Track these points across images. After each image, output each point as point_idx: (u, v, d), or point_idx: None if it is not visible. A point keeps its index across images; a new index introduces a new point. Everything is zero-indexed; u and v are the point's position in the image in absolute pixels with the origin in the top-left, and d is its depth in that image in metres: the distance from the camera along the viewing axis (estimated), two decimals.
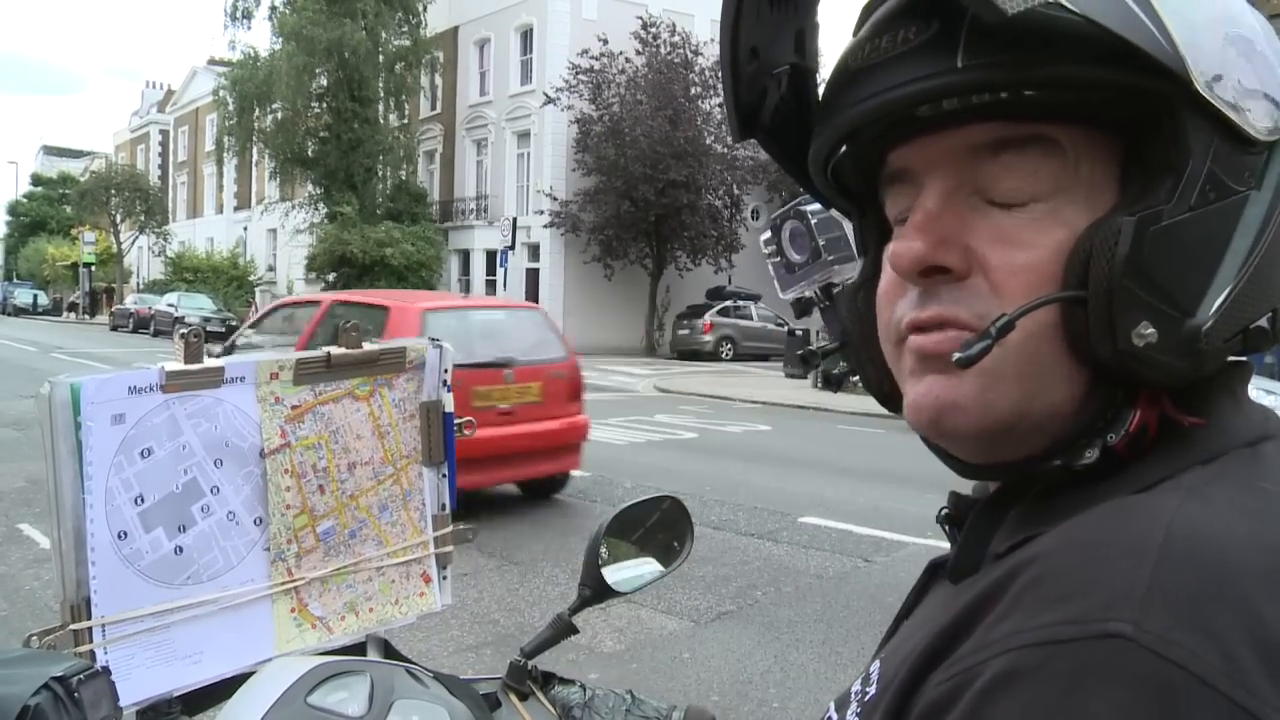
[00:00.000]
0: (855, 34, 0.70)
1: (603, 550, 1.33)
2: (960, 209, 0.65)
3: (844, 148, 0.73)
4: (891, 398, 0.76)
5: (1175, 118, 0.60)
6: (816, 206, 0.93)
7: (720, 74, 0.76)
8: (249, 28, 45.12)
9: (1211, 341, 0.60)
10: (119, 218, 52.10)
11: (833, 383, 0.92)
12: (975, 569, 0.66)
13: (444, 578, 1.38)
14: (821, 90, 0.73)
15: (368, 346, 1.28)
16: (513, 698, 1.26)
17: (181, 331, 1.17)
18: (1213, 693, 0.47)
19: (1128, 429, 0.63)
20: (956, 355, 0.61)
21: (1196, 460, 0.61)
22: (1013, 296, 0.62)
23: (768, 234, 0.99)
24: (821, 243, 0.95)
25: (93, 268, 52.81)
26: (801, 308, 0.98)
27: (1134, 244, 0.59)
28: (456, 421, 1.36)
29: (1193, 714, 0.47)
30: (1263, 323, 0.63)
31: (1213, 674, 0.47)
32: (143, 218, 51.99)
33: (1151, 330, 0.60)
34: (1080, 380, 0.63)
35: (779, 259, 0.98)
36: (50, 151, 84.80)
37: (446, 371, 1.34)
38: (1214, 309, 0.60)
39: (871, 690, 0.65)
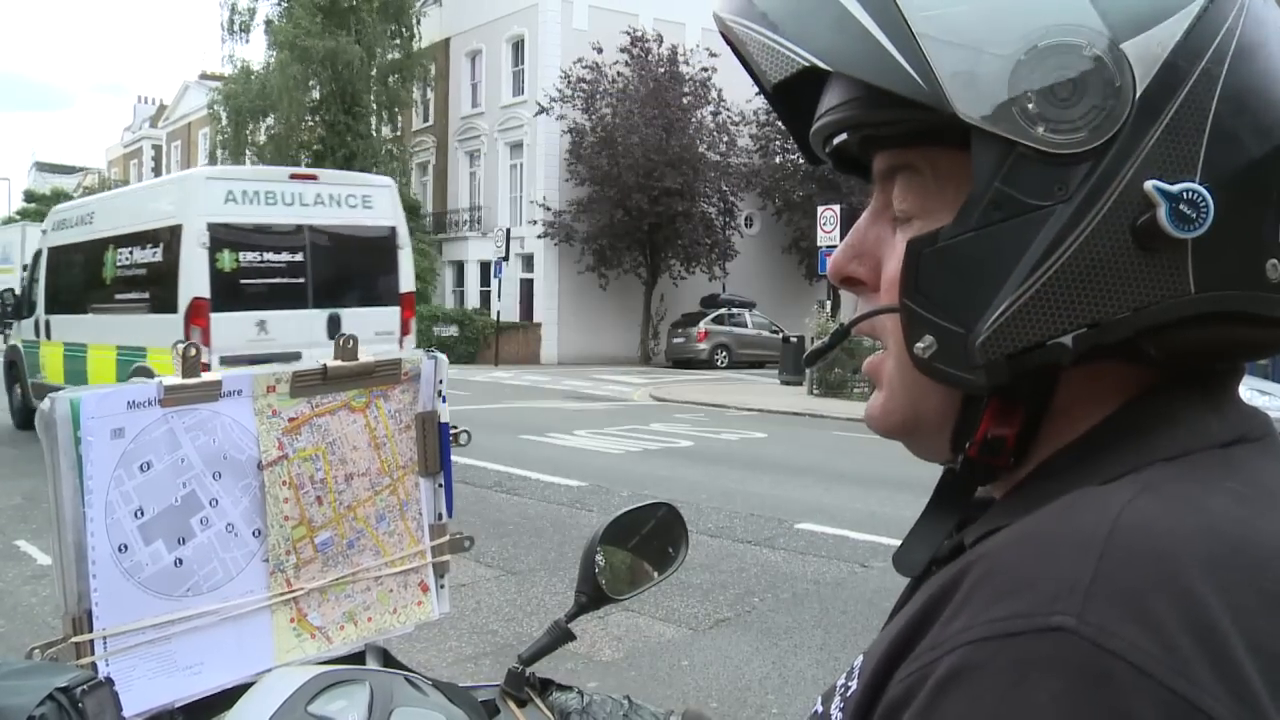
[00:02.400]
0: None
1: (598, 557, 1.35)
2: (882, 226, 0.71)
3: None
4: None
5: (962, 143, 0.62)
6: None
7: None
8: (247, 41, 44.93)
9: (990, 354, 0.61)
10: None
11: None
12: (925, 558, 0.72)
13: (441, 587, 1.39)
14: None
15: (364, 359, 1.29)
16: (511, 704, 1.28)
17: (179, 346, 1.18)
18: (1152, 682, 0.48)
19: (974, 437, 0.66)
20: (805, 354, 0.67)
21: (1161, 456, 0.62)
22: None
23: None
24: None
25: None
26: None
27: (907, 265, 0.64)
28: (452, 431, 1.37)
29: (1132, 704, 0.48)
30: (1064, 340, 0.61)
31: (1152, 664, 0.48)
32: None
33: (928, 344, 0.64)
34: (946, 390, 0.66)
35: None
36: (43, 167, 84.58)
37: (441, 382, 1.36)
38: (989, 324, 0.61)
39: (854, 685, 0.66)
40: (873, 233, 0.72)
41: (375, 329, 10.18)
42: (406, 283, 11.13)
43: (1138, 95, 0.59)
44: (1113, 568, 0.52)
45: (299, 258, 10.19)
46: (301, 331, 9.71)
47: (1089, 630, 0.50)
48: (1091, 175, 0.60)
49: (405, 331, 10.95)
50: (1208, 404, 0.66)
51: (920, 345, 0.64)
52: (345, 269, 10.73)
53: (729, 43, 0.71)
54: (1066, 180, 0.60)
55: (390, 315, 10.79)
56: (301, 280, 10.16)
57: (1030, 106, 0.60)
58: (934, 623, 0.57)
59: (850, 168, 0.78)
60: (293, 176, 10.72)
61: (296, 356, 7.47)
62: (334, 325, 9.94)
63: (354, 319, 9.94)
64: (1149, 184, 0.58)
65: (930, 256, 0.63)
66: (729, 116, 30.32)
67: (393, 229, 10.94)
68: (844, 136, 0.70)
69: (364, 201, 10.69)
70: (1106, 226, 0.59)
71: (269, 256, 10.04)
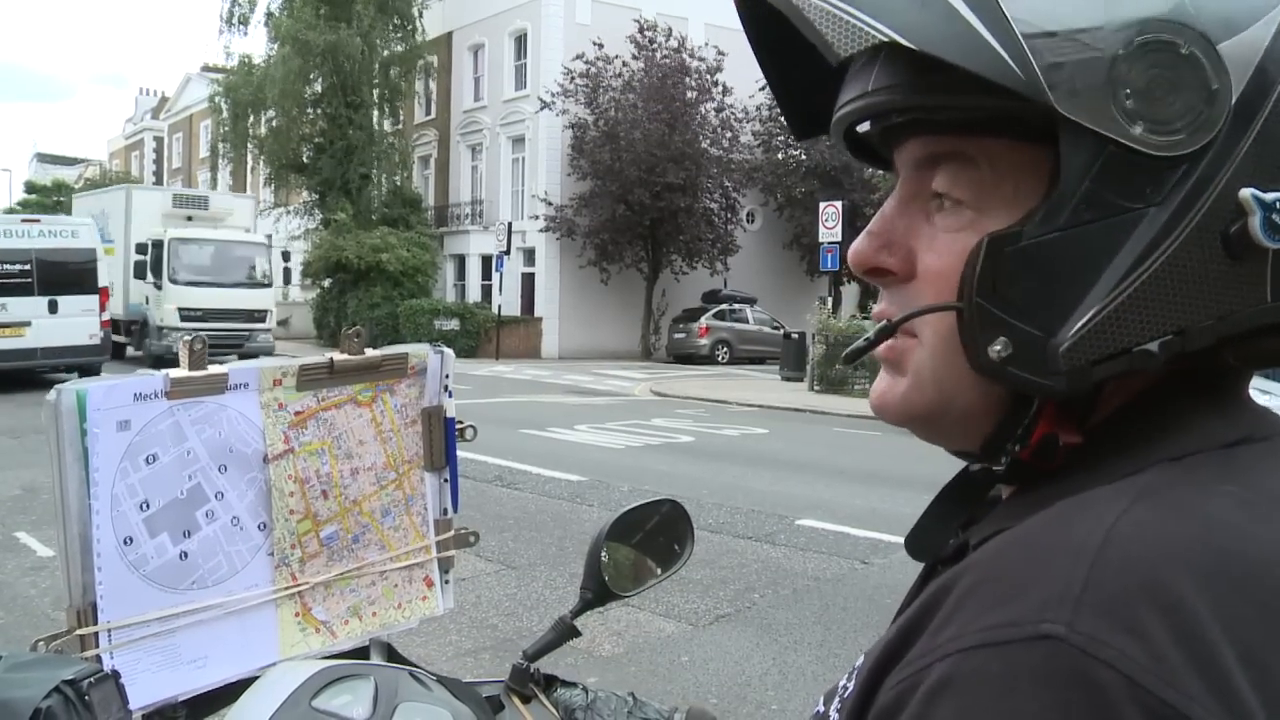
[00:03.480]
0: None
1: (604, 554, 1.34)
2: (913, 215, 0.68)
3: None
4: None
5: (1056, 136, 0.59)
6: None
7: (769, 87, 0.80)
8: (245, 33, 44.77)
9: (1074, 360, 0.60)
10: None
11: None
12: (934, 550, 0.71)
13: (446, 582, 1.39)
14: None
15: (370, 353, 1.29)
16: (515, 700, 1.27)
17: (186, 338, 1.18)
18: (1141, 691, 0.48)
19: (1029, 442, 0.65)
20: (845, 351, 0.66)
21: (1164, 457, 0.61)
22: (932, 300, 0.65)
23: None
24: None
25: None
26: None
27: (986, 263, 0.61)
28: (458, 426, 1.37)
29: (1122, 713, 0.47)
30: (1151, 346, 0.60)
31: (1141, 673, 0.48)
32: None
33: (1004, 346, 0.61)
34: (984, 388, 0.65)
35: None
36: (44, 159, 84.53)
37: (448, 377, 1.36)
38: (1075, 329, 0.59)
39: (851, 686, 0.66)
40: (901, 222, 0.69)
41: (82, 308, 17.54)
42: (102, 281, 18.22)
43: (1234, 100, 0.58)
44: (1103, 577, 0.52)
45: (29, 267, 17.11)
46: (28, 308, 16.98)
47: (1078, 639, 0.49)
48: (1187, 180, 0.59)
49: (102, 309, 18.11)
50: (1212, 404, 0.65)
51: (995, 348, 0.61)
52: (60, 273, 17.44)
53: (766, 12, 0.65)
54: (1160, 183, 0.59)
55: (92, 300, 17.86)
56: (30, 280, 17.08)
57: (1129, 104, 0.58)
58: (925, 629, 0.57)
59: (862, 152, 0.77)
60: (24, 220, 18.62)
61: (27, 324, 16.95)
62: (52, 306, 17.22)
63: (67, 302, 17.37)
64: (1245, 192, 0.58)
65: (1014, 256, 0.60)
66: (732, 112, 30.30)
67: (93, 250, 18.07)
68: (890, 119, 0.67)
69: (73, 234, 17.92)
70: (1200, 233, 0.59)
71: (7, 267, 17.02)
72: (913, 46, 0.58)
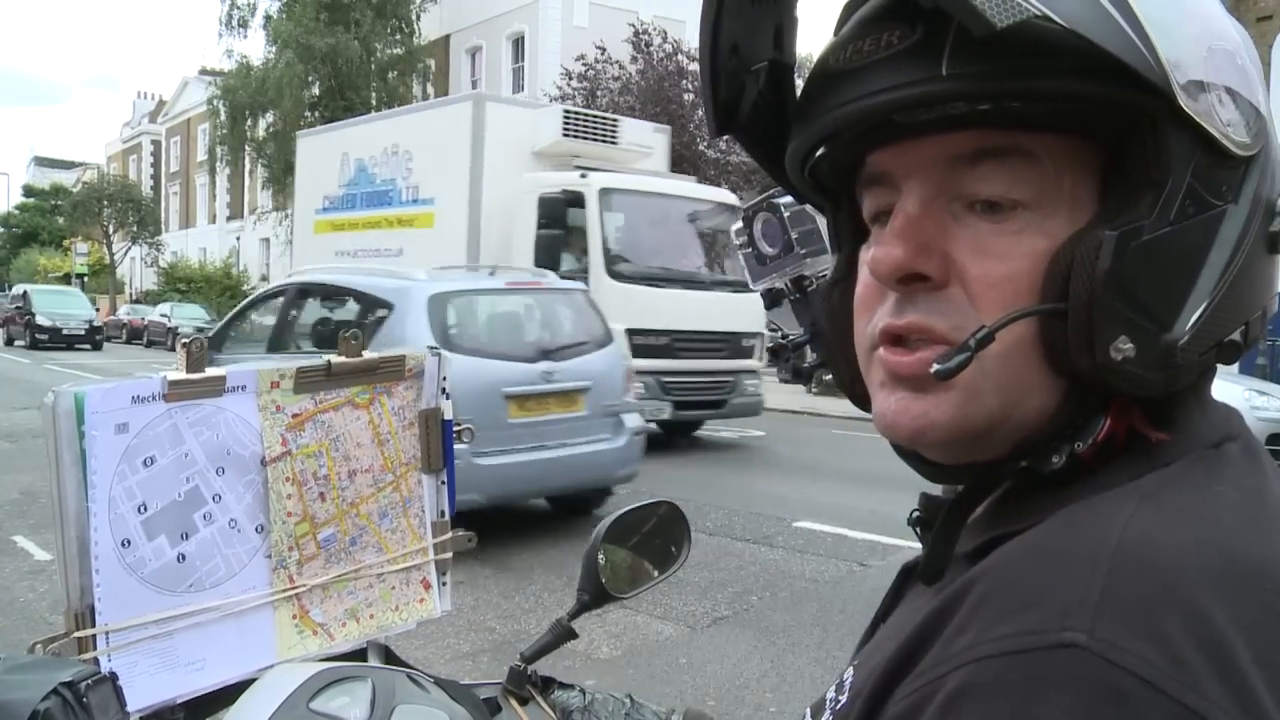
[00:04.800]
0: (836, 33, 0.70)
1: (600, 556, 1.34)
2: (940, 216, 0.65)
3: (822, 148, 0.73)
4: (864, 398, 0.76)
5: (1157, 131, 0.60)
6: (790, 199, 0.92)
7: (699, 71, 0.74)
8: (245, 36, 44.77)
9: (1188, 356, 0.61)
10: (111, 228, 51.95)
11: (803, 376, 0.94)
12: (944, 571, 0.67)
13: (443, 584, 1.39)
14: (801, 87, 0.73)
15: (367, 355, 1.29)
16: (513, 702, 1.27)
17: (184, 341, 1.18)
18: (1164, 697, 0.48)
19: (1095, 438, 0.63)
20: (935, 367, 0.61)
21: (1159, 462, 0.62)
22: (989, 308, 0.63)
23: (739, 225, 0.99)
24: (794, 236, 0.95)
25: (85, 278, 52.68)
26: (771, 299, 0.98)
27: (1115, 258, 0.59)
28: (455, 428, 1.37)
29: (1145, 718, 0.48)
30: (1235, 336, 0.63)
31: (1163, 679, 0.49)
32: (135, 228, 51.82)
33: (1130, 345, 0.60)
34: (1055, 391, 0.64)
35: (750, 250, 0.99)
36: (42, 162, 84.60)
37: (445, 379, 1.36)
38: (1190, 324, 0.60)
39: (843, 699, 0.66)
40: (930, 223, 0.65)
41: None
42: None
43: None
44: (1120, 584, 0.52)
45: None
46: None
47: (1100, 646, 0.50)
48: (1249, 179, 0.62)
49: None
50: (1197, 403, 0.66)
51: (1121, 347, 0.60)
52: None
53: None
54: (1233, 182, 0.61)
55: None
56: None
57: (1220, 104, 0.60)
58: (937, 639, 0.57)
59: (819, 186, 0.76)
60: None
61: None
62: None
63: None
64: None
65: (1138, 251, 0.60)
66: None
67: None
68: (956, 107, 0.62)
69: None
70: (1260, 231, 0.62)
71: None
72: (1062, 24, 0.56)
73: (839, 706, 0.66)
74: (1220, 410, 0.68)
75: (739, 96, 0.74)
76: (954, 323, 0.64)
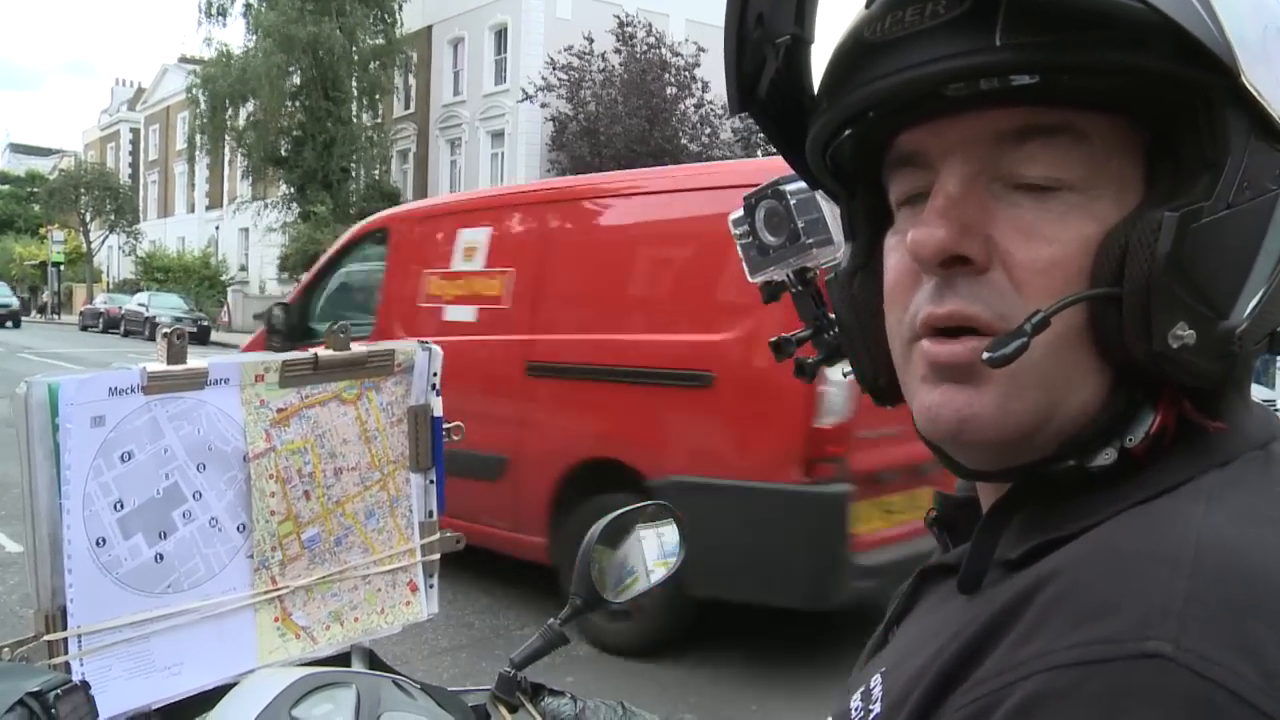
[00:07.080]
0: (868, 6, 0.66)
1: (594, 559, 1.31)
2: (982, 196, 0.62)
3: (849, 129, 0.69)
4: (885, 392, 0.73)
5: (1215, 110, 0.57)
6: (797, 186, 0.88)
7: (724, 40, 0.71)
8: (224, 24, 44.46)
9: (1245, 344, 0.58)
10: (89, 216, 51.61)
11: (806, 372, 0.88)
12: (983, 579, 0.64)
13: (430, 586, 1.36)
14: (826, 64, 0.69)
15: (356, 348, 1.25)
16: (502, 709, 1.24)
17: (165, 331, 1.13)
18: (1254, 712, 0.46)
19: (1148, 432, 0.60)
20: (987, 354, 0.57)
21: (1214, 463, 0.59)
22: (1036, 293, 0.59)
23: (738, 214, 0.94)
24: (800, 225, 0.90)
25: (62, 267, 52.32)
26: (770, 293, 0.93)
27: (1175, 241, 0.57)
28: (445, 426, 1.33)
29: None
30: None
31: (1255, 694, 0.46)
32: (113, 217, 51.51)
33: (1189, 331, 0.57)
34: (1104, 381, 0.61)
35: (750, 240, 0.93)
36: (17, 149, 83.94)
37: (435, 375, 1.32)
38: (1248, 311, 0.58)
39: (876, 709, 0.62)
40: (972, 203, 0.62)
41: None
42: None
43: None
44: (1204, 590, 0.49)
45: None
46: None
47: (1187, 657, 0.47)
48: None
49: None
50: (1240, 397, 0.64)
51: (1180, 334, 0.57)
52: None
53: None
54: (1277, 167, 0.59)
55: None
56: None
57: (1277, 85, 0.58)
58: (997, 646, 0.53)
59: (837, 170, 0.73)
60: None
61: None
62: None
63: None
64: None
65: (1198, 234, 0.57)
66: (711, 108, 30.34)
67: None
68: (1005, 80, 0.59)
69: None
70: None
71: None
72: None
73: (872, 717, 0.62)
74: (1259, 409, 0.65)
75: (759, 71, 0.72)
76: (998, 310, 0.61)
